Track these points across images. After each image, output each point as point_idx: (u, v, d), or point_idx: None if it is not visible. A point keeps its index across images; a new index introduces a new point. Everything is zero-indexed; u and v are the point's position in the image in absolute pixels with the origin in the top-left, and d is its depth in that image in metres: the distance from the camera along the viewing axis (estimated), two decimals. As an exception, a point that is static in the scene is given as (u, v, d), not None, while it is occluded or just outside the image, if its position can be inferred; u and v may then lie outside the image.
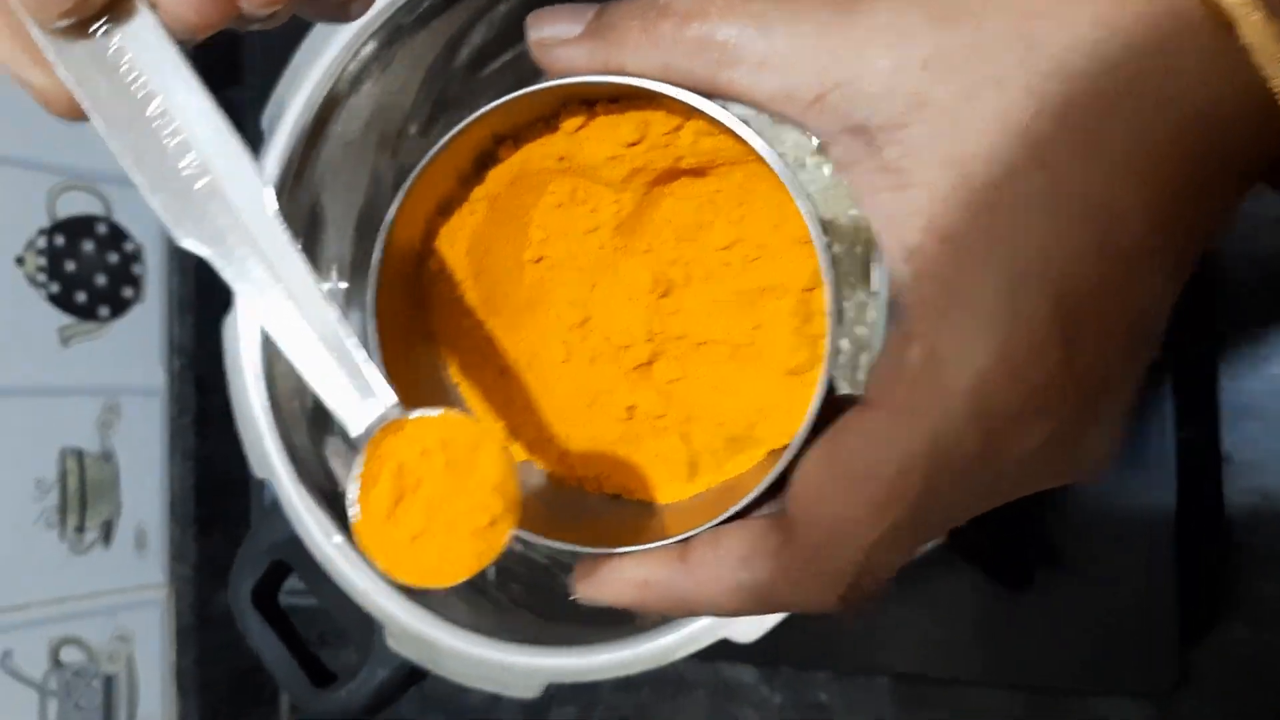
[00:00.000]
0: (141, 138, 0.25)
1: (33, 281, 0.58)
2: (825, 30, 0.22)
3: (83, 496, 0.60)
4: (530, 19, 0.25)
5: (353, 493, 0.25)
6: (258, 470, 0.37)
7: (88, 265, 0.60)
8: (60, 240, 0.59)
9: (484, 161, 0.29)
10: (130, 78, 0.25)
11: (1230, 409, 0.46)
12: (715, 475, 0.28)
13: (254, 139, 0.40)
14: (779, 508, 0.24)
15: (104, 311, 0.61)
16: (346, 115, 0.36)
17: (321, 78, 0.35)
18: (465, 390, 0.30)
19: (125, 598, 0.62)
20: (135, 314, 0.63)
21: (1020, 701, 0.50)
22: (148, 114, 0.25)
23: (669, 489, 0.29)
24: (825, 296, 0.24)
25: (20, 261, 0.57)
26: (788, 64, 0.22)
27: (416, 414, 0.25)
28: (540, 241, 0.29)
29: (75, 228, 0.60)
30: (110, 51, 0.25)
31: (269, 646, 0.37)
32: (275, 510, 0.38)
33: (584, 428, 0.29)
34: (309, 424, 0.38)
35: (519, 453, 0.30)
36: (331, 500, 0.37)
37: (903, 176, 0.21)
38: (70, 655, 0.59)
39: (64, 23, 0.24)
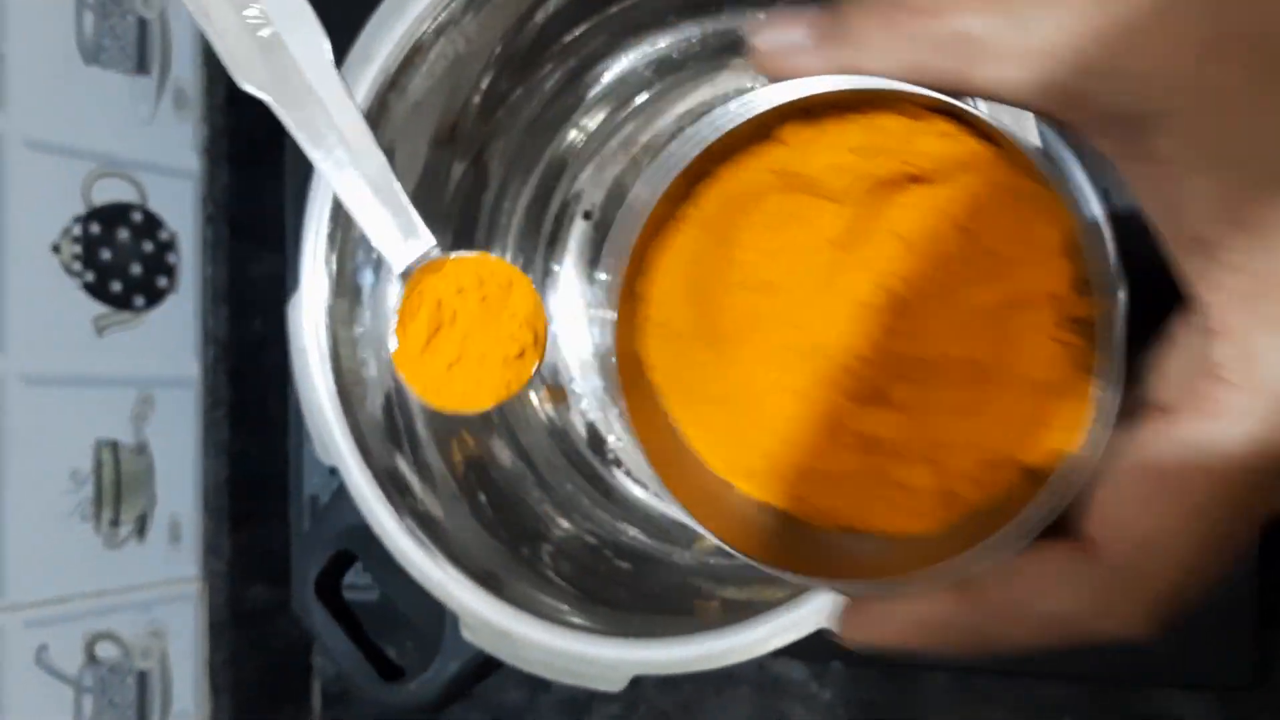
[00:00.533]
0: None
1: (68, 270, 0.57)
2: (1087, 14, 0.20)
3: (117, 489, 0.59)
4: (750, 27, 0.24)
5: (392, 325, 0.28)
6: (323, 456, 0.36)
7: (123, 254, 0.59)
8: (95, 228, 0.58)
9: (694, 177, 0.27)
10: None
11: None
12: (971, 502, 0.26)
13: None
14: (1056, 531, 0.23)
15: (139, 301, 0.60)
16: (422, 74, 0.35)
17: (408, 29, 0.34)
18: (682, 420, 0.28)
19: (159, 592, 0.61)
20: (169, 304, 0.62)
21: (1083, 694, 0.49)
22: None
23: (919, 520, 0.26)
24: (1117, 305, 0.23)
25: (56, 249, 0.56)
26: (1047, 54, 0.20)
27: (455, 254, 0.28)
28: (755, 263, 0.27)
29: (110, 215, 0.59)
30: None
31: (335, 639, 0.36)
32: (338, 499, 0.37)
33: (815, 459, 0.27)
34: (383, 435, 0.37)
35: (745, 487, 0.28)
36: (402, 491, 0.36)
37: (1181, 165, 0.20)
38: (105, 651, 0.58)
39: None
